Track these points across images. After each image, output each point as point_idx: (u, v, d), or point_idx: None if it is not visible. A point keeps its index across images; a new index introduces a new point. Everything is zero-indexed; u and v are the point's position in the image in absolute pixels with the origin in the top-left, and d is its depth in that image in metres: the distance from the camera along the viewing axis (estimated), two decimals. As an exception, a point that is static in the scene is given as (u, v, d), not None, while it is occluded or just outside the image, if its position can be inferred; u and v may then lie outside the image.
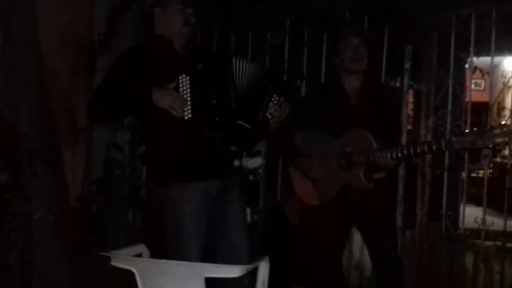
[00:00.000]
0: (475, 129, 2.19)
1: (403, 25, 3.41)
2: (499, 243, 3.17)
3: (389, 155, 2.27)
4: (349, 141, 2.42)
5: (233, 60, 2.20)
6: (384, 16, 3.40)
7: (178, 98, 2.08)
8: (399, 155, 2.26)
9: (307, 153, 2.53)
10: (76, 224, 2.86)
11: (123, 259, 1.87)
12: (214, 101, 2.13)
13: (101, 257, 1.87)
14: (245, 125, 2.16)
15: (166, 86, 2.09)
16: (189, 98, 2.09)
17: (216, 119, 2.13)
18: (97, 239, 3.25)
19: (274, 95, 2.21)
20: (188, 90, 2.10)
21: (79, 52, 3.38)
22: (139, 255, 2.03)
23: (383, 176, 2.46)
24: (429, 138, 3.38)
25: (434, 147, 2.22)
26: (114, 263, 1.86)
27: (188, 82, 2.10)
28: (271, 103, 2.21)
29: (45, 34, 2.86)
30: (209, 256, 2.13)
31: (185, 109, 2.09)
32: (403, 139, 3.15)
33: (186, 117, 2.08)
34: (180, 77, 2.11)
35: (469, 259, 3.24)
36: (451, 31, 3.29)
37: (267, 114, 2.20)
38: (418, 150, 2.25)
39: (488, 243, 3.21)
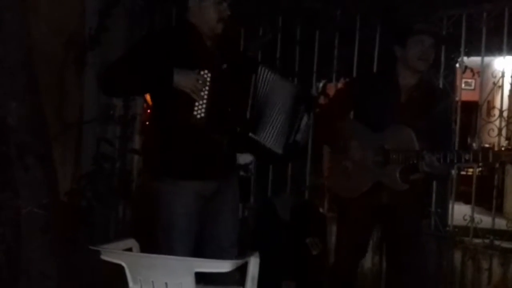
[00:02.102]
0: None
1: (395, 25, 3.42)
2: (487, 240, 3.20)
3: (431, 159, 2.15)
4: (389, 137, 2.31)
5: (259, 69, 2.10)
6: (375, 16, 3.41)
7: (201, 82, 2.01)
8: (442, 160, 2.14)
9: (346, 142, 2.41)
10: (65, 218, 2.84)
11: (112, 253, 1.86)
12: (229, 109, 2.07)
13: (91, 251, 1.86)
14: (256, 138, 2.08)
15: (189, 71, 2.04)
16: (205, 97, 2.02)
17: (228, 127, 2.07)
18: (87, 233, 3.24)
19: (305, 115, 2.15)
20: (207, 88, 2.03)
21: (69, 46, 3.36)
22: (129, 249, 2.02)
23: (419, 178, 2.33)
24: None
25: (480, 157, 2.12)
26: (104, 257, 1.85)
27: (208, 79, 2.04)
28: (302, 124, 2.14)
29: (35, 28, 2.84)
30: (197, 254, 2.11)
31: (200, 107, 2.02)
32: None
33: (198, 116, 2.03)
34: (202, 72, 2.04)
35: (457, 256, 3.27)
36: (442, 31, 3.32)
37: (297, 138, 2.14)
38: (463, 159, 2.13)
39: (476, 241, 3.23)
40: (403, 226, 2.40)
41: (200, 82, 2.03)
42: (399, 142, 2.27)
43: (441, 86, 3.33)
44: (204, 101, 2.03)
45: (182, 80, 2.02)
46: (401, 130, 2.28)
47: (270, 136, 2.12)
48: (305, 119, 2.15)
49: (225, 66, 2.10)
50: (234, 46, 2.41)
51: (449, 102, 2.66)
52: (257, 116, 2.09)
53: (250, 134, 2.08)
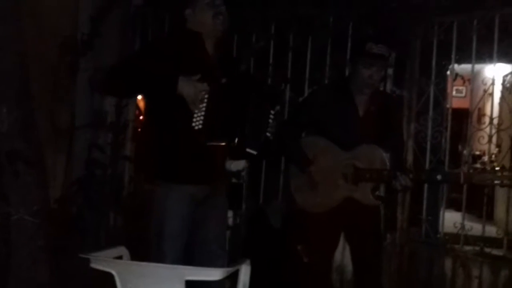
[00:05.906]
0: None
1: (387, 32, 3.45)
2: (477, 248, 3.21)
3: (405, 180, 2.30)
4: (360, 156, 2.41)
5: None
6: (368, 23, 3.43)
7: (202, 92, 2.02)
8: (416, 179, 2.33)
9: (313, 160, 2.50)
10: (55, 225, 2.82)
11: (102, 261, 1.86)
12: (226, 122, 2.06)
13: (81, 259, 1.85)
14: (253, 152, 2.11)
15: (194, 80, 2.05)
16: (203, 109, 2.03)
17: (225, 139, 2.08)
18: (77, 240, 3.22)
19: (271, 111, 2.17)
20: (205, 100, 2.04)
21: (62, 51, 3.35)
22: (120, 257, 2.02)
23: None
24: (410, 143, 3.42)
25: (451, 178, 2.32)
26: (94, 265, 1.85)
27: (208, 91, 2.04)
28: (270, 120, 2.17)
29: (28, 32, 2.83)
30: (186, 257, 2.13)
31: (198, 118, 2.03)
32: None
33: (196, 127, 2.03)
34: (203, 84, 2.05)
35: (448, 263, 3.28)
36: (433, 38, 3.34)
37: (267, 133, 2.17)
38: (436, 178, 2.32)
39: (467, 248, 3.25)
40: (365, 230, 2.52)
41: (203, 93, 2.04)
42: (370, 161, 2.40)
43: (432, 93, 3.36)
44: (202, 112, 2.04)
45: (186, 88, 2.03)
46: (371, 149, 2.41)
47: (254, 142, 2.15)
48: (271, 113, 2.17)
49: (224, 80, 2.11)
50: (233, 60, 2.43)
51: (400, 106, 2.84)
52: (252, 131, 2.11)
53: (248, 149, 2.11)
